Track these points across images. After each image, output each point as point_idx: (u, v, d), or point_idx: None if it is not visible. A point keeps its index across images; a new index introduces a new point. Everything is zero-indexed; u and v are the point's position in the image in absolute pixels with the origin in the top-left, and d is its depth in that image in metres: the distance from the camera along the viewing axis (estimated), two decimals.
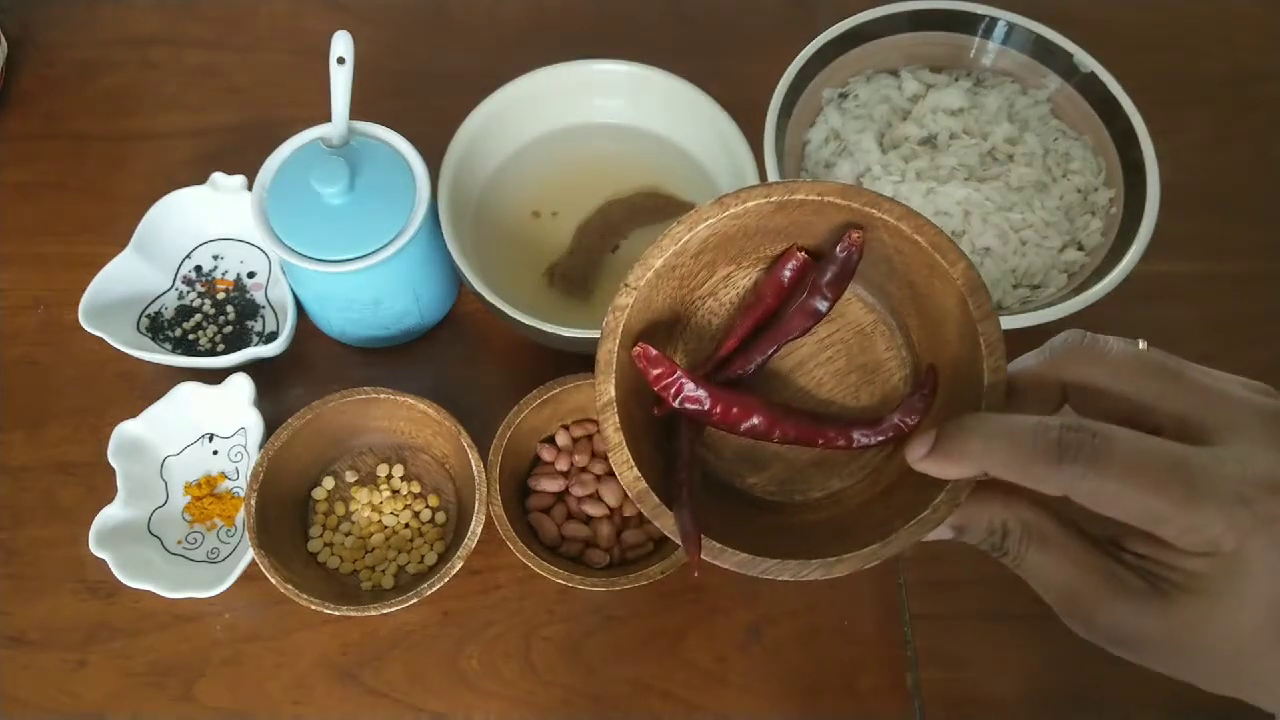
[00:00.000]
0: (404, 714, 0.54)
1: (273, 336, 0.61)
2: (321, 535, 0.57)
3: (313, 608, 0.51)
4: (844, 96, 0.66)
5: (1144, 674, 0.53)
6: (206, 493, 0.58)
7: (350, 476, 0.58)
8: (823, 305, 0.36)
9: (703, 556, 0.33)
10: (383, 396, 0.55)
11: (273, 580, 0.51)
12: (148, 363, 0.60)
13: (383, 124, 0.58)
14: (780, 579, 0.33)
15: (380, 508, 0.57)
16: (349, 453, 0.59)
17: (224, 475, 0.59)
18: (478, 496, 0.53)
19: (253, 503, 0.53)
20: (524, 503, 0.57)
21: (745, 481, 0.38)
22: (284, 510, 0.56)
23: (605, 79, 0.63)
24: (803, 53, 0.63)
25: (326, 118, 0.56)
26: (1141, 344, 0.33)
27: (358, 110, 0.56)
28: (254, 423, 0.56)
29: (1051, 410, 0.33)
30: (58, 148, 0.70)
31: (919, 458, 0.32)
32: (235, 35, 0.75)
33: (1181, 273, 0.65)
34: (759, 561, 0.33)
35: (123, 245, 0.61)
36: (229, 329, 0.62)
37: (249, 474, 0.54)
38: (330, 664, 0.55)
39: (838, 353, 0.38)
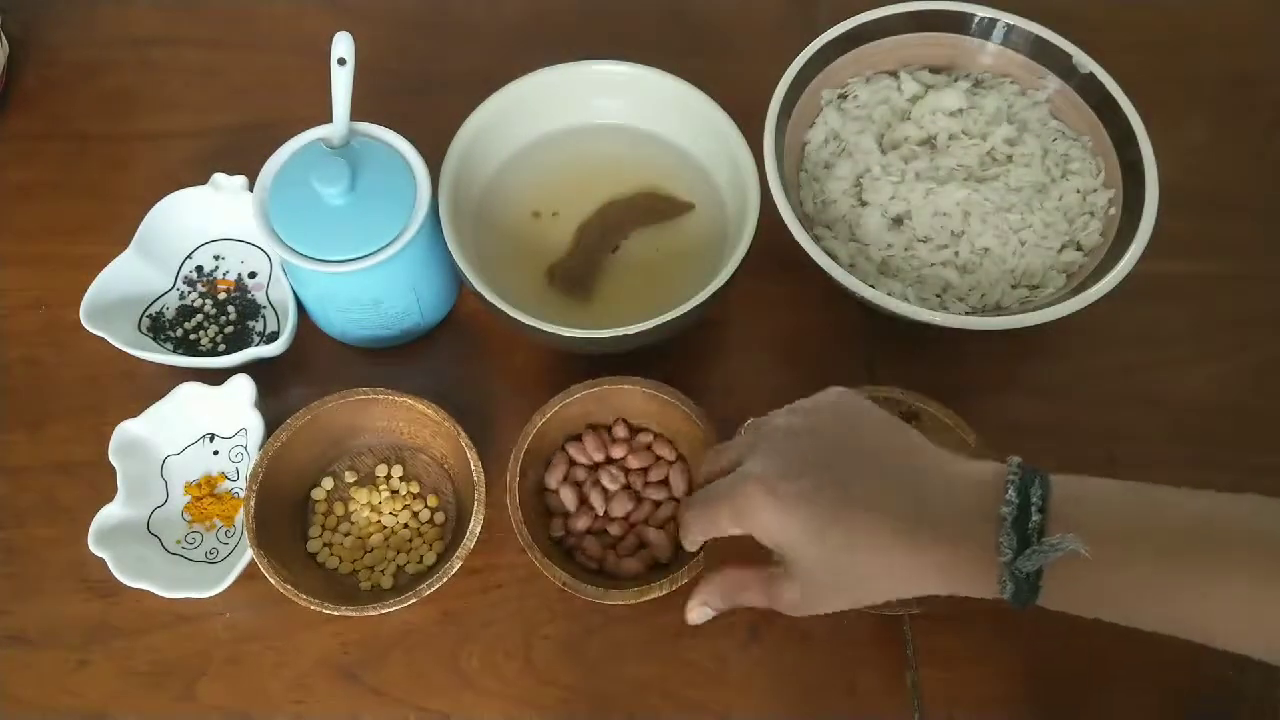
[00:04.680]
0: (405, 713, 0.54)
1: (274, 336, 0.61)
2: (320, 535, 0.57)
3: (312, 608, 0.51)
4: (843, 97, 0.66)
5: (1142, 675, 0.54)
6: (206, 493, 0.58)
7: (349, 477, 0.58)
8: None
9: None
10: (381, 397, 0.55)
11: (272, 581, 0.51)
12: (149, 363, 0.60)
13: (383, 124, 0.58)
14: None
15: (379, 508, 0.57)
16: (348, 453, 0.59)
17: (224, 475, 0.59)
18: (476, 496, 0.53)
19: (252, 503, 0.53)
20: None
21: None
22: (283, 510, 0.56)
23: (605, 79, 0.63)
24: (802, 54, 0.63)
25: (327, 118, 0.56)
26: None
27: (358, 111, 0.57)
28: (255, 423, 0.57)
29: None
30: (59, 148, 0.70)
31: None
32: (236, 35, 0.75)
33: (1180, 273, 0.65)
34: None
35: (124, 245, 0.61)
36: (230, 329, 0.63)
37: (248, 474, 0.54)
38: (331, 663, 0.55)
39: None
